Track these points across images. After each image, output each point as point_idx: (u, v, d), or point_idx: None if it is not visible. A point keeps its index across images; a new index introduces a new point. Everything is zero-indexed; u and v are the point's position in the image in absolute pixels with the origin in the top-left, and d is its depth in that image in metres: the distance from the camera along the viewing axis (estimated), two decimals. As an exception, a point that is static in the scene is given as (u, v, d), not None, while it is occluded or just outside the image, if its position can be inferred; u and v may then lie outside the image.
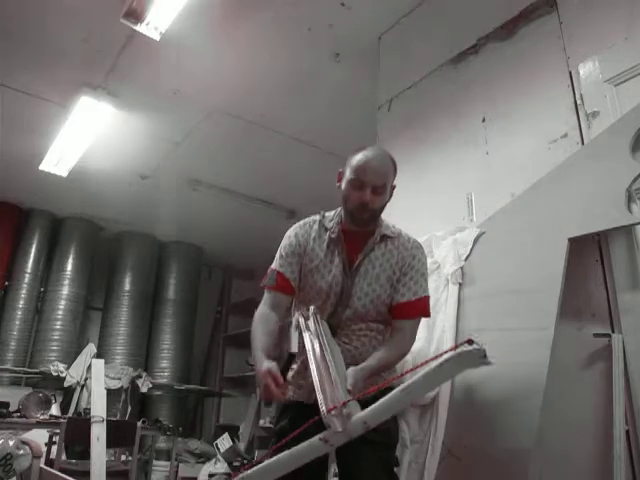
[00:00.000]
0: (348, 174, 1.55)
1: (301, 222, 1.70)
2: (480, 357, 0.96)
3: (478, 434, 1.71)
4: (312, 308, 1.52)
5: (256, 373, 1.39)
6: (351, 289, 1.56)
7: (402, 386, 1.04)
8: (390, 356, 1.53)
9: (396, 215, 2.50)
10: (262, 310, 1.59)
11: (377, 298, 1.56)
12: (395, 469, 1.57)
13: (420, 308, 1.60)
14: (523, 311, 1.73)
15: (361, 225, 1.59)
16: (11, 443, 1.97)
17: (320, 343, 1.34)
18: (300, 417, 1.30)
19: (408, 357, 1.84)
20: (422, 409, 1.84)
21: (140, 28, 2.77)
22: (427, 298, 1.62)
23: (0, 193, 5.41)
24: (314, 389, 1.20)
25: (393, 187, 1.63)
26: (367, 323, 1.58)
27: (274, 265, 1.65)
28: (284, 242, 1.67)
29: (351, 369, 1.36)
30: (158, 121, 4.05)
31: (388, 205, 1.65)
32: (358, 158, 1.55)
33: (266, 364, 1.35)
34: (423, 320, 1.97)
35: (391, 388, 1.57)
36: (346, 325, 1.58)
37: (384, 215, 1.67)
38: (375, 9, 2.89)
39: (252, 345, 1.49)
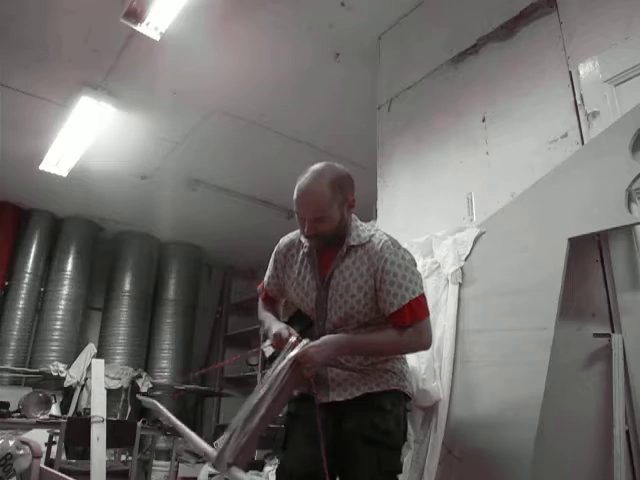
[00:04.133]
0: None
1: (287, 236, 1.72)
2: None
3: (478, 434, 1.71)
4: (290, 342, 1.49)
5: (267, 329, 1.59)
6: (326, 303, 1.55)
7: None
8: (380, 338, 1.52)
9: (397, 215, 2.51)
10: (260, 307, 1.80)
11: (351, 309, 1.52)
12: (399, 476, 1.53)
13: (415, 312, 1.50)
14: (523, 311, 1.73)
15: (320, 249, 1.58)
16: (11, 443, 1.97)
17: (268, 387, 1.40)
18: (303, 402, 1.55)
19: (412, 357, 1.84)
20: (425, 410, 1.84)
21: (140, 28, 2.77)
22: (417, 299, 1.50)
23: (0, 193, 5.41)
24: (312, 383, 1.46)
25: (350, 201, 1.54)
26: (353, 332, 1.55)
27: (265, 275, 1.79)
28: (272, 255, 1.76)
29: (328, 336, 1.49)
30: (158, 121, 4.05)
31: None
32: (295, 191, 1.51)
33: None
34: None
35: (396, 391, 1.56)
36: None
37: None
38: (375, 9, 2.89)
39: (260, 319, 1.71)
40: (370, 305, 1.52)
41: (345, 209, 1.53)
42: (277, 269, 1.70)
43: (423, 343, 1.54)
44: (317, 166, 1.53)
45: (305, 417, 1.53)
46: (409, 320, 1.49)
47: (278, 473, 1.58)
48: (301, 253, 1.63)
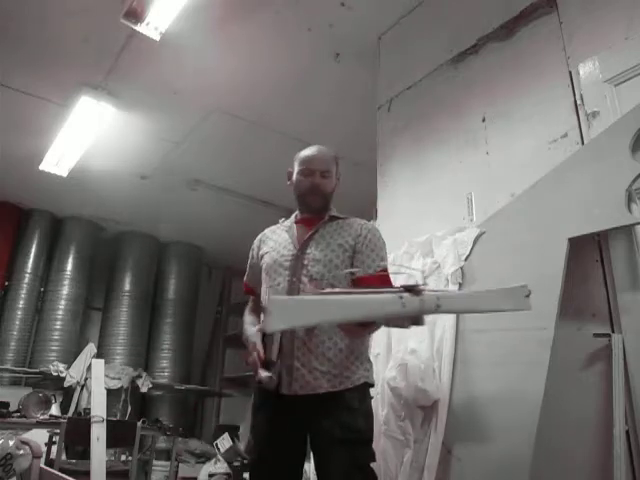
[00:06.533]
0: (297, 167, 1.76)
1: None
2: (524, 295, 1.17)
3: (478, 434, 1.72)
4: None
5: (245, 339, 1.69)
6: (303, 258, 1.63)
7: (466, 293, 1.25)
8: None
9: (397, 215, 2.51)
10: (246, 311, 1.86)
11: (329, 262, 1.60)
12: (373, 464, 1.52)
13: (388, 280, 1.60)
14: (523, 311, 1.73)
15: (315, 210, 1.71)
16: (11, 443, 1.97)
17: None
18: (264, 396, 1.60)
19: (411, 358, 1.83)
20: (425, 410, 1.84)
21: (140, 28, 2.77)
22: (387, 271, 1.65)
23: (0, 193, 5.41)
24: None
25: (338, 177, 1.78)
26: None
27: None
28: None
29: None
30: (158, 121, 4.05)
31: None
32: (304, 153, 1.77)
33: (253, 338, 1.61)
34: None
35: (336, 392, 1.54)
36: None
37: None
38: (375, 9, 2.89)
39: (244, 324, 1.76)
40: (347, 263, 1.62)
41: (336, 182, 1.76)
42: (253, 257, 1.83)
43: None
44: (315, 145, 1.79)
45: (267, 411, 1.59)
46: (380, 283, 1.56)
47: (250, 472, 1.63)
48: (277, 232, 1.78)
